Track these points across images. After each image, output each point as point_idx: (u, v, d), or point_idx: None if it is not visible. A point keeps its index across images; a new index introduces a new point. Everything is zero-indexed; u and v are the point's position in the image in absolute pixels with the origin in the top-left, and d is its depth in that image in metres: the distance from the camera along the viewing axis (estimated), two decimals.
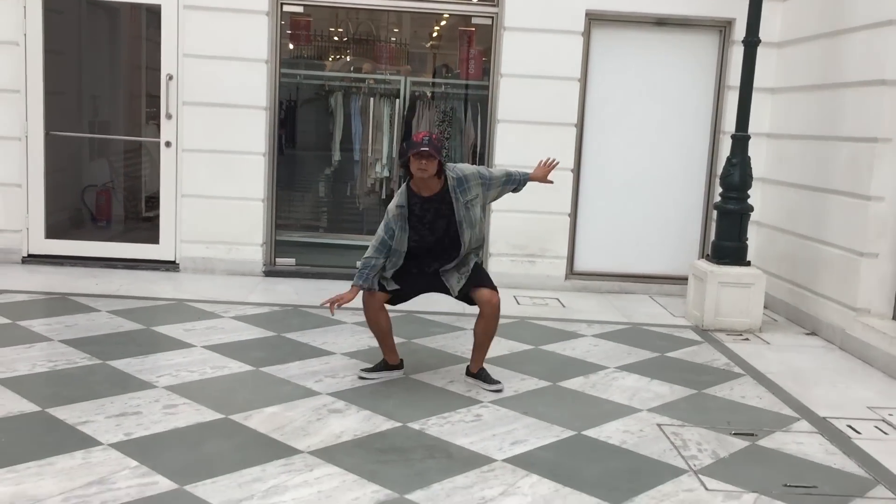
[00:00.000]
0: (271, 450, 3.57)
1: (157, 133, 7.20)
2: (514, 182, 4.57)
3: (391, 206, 4.40)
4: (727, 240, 6.21)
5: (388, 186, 7.84)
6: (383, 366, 4.62)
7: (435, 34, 9.23)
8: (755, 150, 6.39)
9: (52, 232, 7.10)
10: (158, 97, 7.11)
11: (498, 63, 7.07)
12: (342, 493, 3.21)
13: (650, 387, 4.72)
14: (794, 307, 6.53)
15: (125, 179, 9.03)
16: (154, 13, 7.17)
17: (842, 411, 4.50)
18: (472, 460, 3.58)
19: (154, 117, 8.17)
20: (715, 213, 6.49)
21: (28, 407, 3.90)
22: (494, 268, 6.97)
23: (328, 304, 4.30)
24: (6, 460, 3.31)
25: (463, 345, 5.28)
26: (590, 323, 6.14)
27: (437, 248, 4.38)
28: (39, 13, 6.78)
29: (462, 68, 8.13)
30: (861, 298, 5.67)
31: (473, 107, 7.72)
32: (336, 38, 9.15)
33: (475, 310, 4.51)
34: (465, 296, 4.45)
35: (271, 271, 7.17)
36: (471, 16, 7.40)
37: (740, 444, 3.94)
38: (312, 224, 8.62)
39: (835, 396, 4.77)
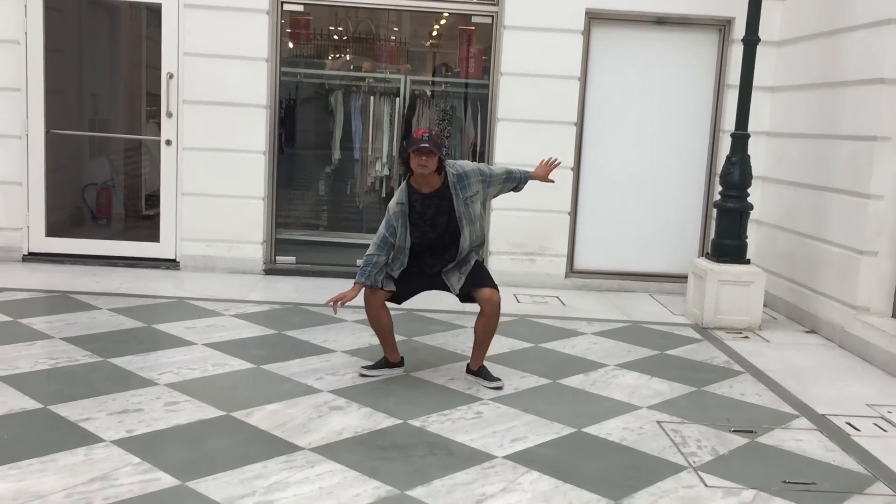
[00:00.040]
0: (273, 447, 3.58)
1: (157, 131, 7.21)
2: (515, 180, 4.58)
3: (392, 203, 4.41)
4: (727, 238, 6.22)
5: (388, 185, 7.85)
6: (384, 363, 4.64)
7: (435, 33, 9.25)
8: (755, 148, 6.40)
9: (53, 230, 7.11)
10: (158, 96, 7.12)
11: (498, 62, 7.08)
12: (343, 489, 3.23)
13: (650, 384, 4.74)
14: (793, 305, 6.55)
15: (125, 178, 9.04)
16: (154, 12, 7.18)
17: (841, 409, 4.52)
18: (473, 457, 3.59)
19: (154, 116, 8.18)
20: (715, 211, 6.51)
21: (30, 404, 3.91)
22: (494, 266, 6.98)
23: (331, 303, 4.30)
24: (9, 457, 3.32)
25: (463, 343, 5.29)
26: (590, 321, 6.15)
27: (437, 244, 4.40)
28: (40, 12, 6.78)
29: (462, 67, 8.15)
30: (860, 296, 5.68)
31: (473, 105, 7.73)
32: (336, 37, 9.16)
33: (475, 308, 4.52)
34: (467, 294, 4.47)
35: (272, 269, 7.18)
36: (471, 14, 7.40)
37: (740, 441, 3.96)
38: (313, 222, 8.63)
39: (834, 394, 4.79)
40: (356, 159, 7.97)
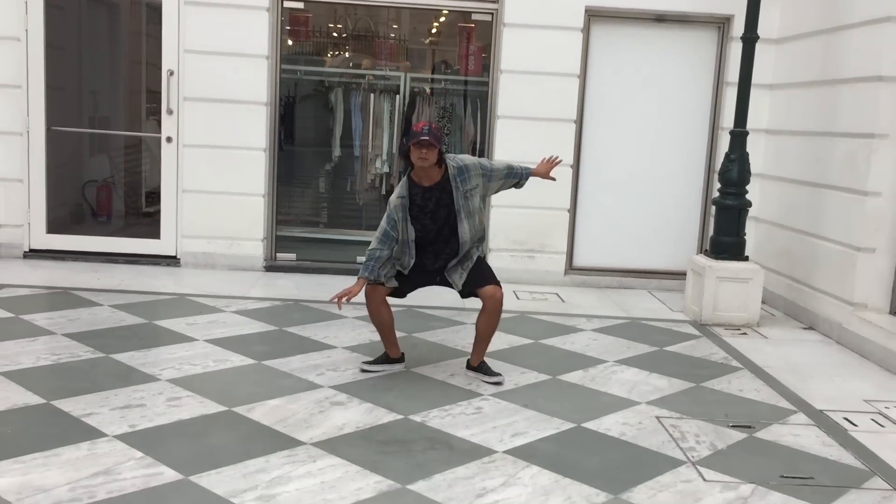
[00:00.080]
0: (274, 441, 3.61)
1: (157, 128, 7.23)
2: (517, 176, 4.59)
3: (393, 196, 4.44)
4: (725, 235, 6.25)
5: (387, 182, 7.88)
6: (385, 359, 4.66)
7: (434, 30, 9.27)
8: (753, 145, 6.43)
9: (53, 227, 7.13)
10: (158, 93, 7.14)
11: (498, 59, 7.10)
12: (345, 483, 3.25)
13: (649, 380, 4.76)
14: (791, 302, 6.58)
15: (125, 175, 9.06)
16: (154, 9, 7.19)
17: (838, 404, 4.55)
18: (473, 452, 3.62)
19: (154, 113, 8.20)
20: (713, 208, 6.53)
21: (33, 399, 3.93)
22: (494, 263, 6.95)
23: (336, 300, 4.30)
24: (13, 451, 3.35)
25: (463, 339, 5.32)
26: (589, 317, 6.18)
27: (437, 238, 4.42)
28: (41, 9, 6.80)
29: (462, 64, 8.17)
30: (858, 293, 5.71)
31: (473, 103, 7.75)
32: (335, 35, 9.18)
33: (475, 304, 4.54)
34: (469, 291, 4.49)
35: (272, 266, 7.20)
36: (471, 12, 7.42)
37: (738, 436, 3.98)
38: (313, 219, 8.66)
39: (832, 390, 4.82)
40: (356, 156, 7.99)
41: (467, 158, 4.47)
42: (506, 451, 3.64)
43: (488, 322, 4.47)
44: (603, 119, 7.25)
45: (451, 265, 4.47)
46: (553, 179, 4.84)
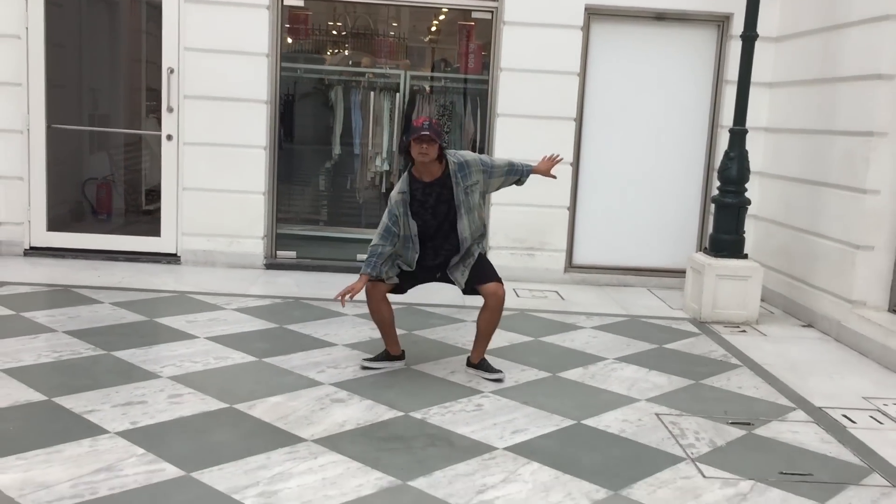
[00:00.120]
0: (276, 438, 3.62)
1: (157, 126, 7.23)
2: (517, 173, 4.60)
3: (393, 192, 4.45)
4: (725, 233, 6.26)
5: (387, 180, 7.89)
6: (385, 356, 4.68)
7: (434, 28, 9.27)
8: (753, 143, 6.44)
9: (54, 225, 7.14)
10: (158, 91, 7.15)
11: (498, 57, 7.11)
12: (346, 479, 3.27)
13: (648, 377, 4.78)
14: (790, 300, 6.59)
15: (125, 173, 9.07)
16: (154, 7, 7.20)
17: (837, 401, 4.57)
18: (474, 448, 3.63)
19: (154, 111, 8.21)
20: (713, 206, 6.54)
21: (34, 396, 3.94)
22: (494, 261, 6.87)
23: (340, 297, 4.29)
24: (15, 448, 3.36)
25: (463, 336, 5.34)
26: (589, 315, 6.19)
27: (438, 234, 4.43)
28: (41, 6, 6.80)
29: (461, 62, 8.18)
30: (857, 291, 5.73)
31: (473, 101, 7.77)
32: (335, 33, 9.18)
33: (475, 301, 4.56)
34: (471, 289, 4.51)
35: (272, 264, 7.21)
36: (471, 10, 7.43)
37: (737, 432, 4.00)
38: (313, 217, 8.66)
39: (830, 387, 4.84)
40: (356, 154, 8.01)
41: (468, 154, 4.48)
42: (506, 448, 3.65)
43: (490, 319, 4.48)
44: (603, 117, 7.26)
45: (453, 263, 4.48)
46: (554, 177, 4.85)
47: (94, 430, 3.58)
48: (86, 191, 8.33)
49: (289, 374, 4.48)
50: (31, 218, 7.02)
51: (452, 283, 4.53)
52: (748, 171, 6.26)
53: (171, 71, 6.96)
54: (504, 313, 4.60)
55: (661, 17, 7.15)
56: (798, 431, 4.07)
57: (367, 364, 4.64)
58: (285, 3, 7.12)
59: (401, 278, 4.51)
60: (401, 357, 4.71)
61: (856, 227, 5.73)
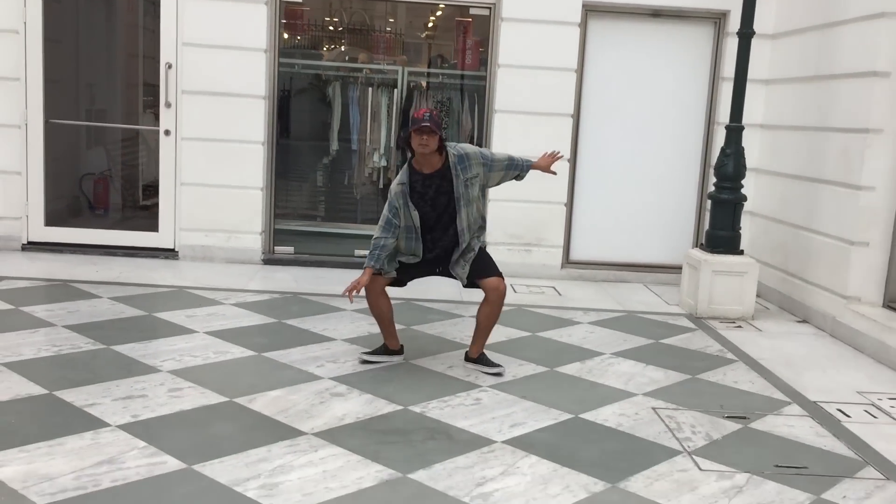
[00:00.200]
0: (276, 431, 3.65)
1: (154, 121, 7.24)
2: (517, 168, 4.62)
3: (393, 184, 4.48)
4: (721, 229, 6.30)
5: (385, 176, 7.90)
6: (384, 350, 4.70)
7: (430, 24, 9.28)
8: (749, 140, 6.48)
9: (51, 219, 7.15)
10: (155, 86, 7.15)
11: (496, 53, 7.13)
12: (346, 472, 3.29)
13: (645, 372, 4.82)
14: (786, 295, 6.63)
15: (122, 168, 9.07)
16: (151, 2, 7.21)
17: (832, 396, 4.61)
18: (473, 442, 3.66)
19: (151, 106, 8.21)
20: (709, 202, 6.57)
21: (35, 390, 3.96)
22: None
23: (347, 293, 4.28)
24: (17, 440, 3.38)
25: (461, 331, 5.37)
26: (586, 311, 6.23)
27: (437, 226, 4.45)
28: (39, 1, 6.80)
29: (459, 59, 8.19)
30: (852, 286, 5.77)
31: (470, 97, 7.78)
32: (331, 28, 9.19)
33: (473, 297, 4.58)
34: (472, 282, 4.53)
35: (270, 259, 7.23)
36: (468, 6, 7.45)
37: (733, 426, 4.04)
38: (310, 213, 8.68)
39: (825, 381, 4.88)
40: (354, 150, 8.02)
41: (468, 147, 4.51)
42: (505, 441, 3.68)
43: (490, 313, 4.51)
44: (600, 113, 7.29)
45: (454, 259, 4.51)
46: (554, 174, 4.88)
47: (95, 424, 3.60)
48: (83, 186, 8.33)
49: (288, 369, 4.50)
50: (28, 213, 7.03)
51: (453, 277, 4.56)
52: (744, 167, 6.30)
53: (170, 66, 6.96)
54: (502, 308, 4.63)
55: (657, 13, 7.18)
56: (793, 425, 4.11)
57: (365, 357, 4.67)
58: None
59: (400, 272, 4.54)
60: (399, 352, 4.74)
61: (851, 223, 5.77)
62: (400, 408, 4.02)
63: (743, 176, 6.29)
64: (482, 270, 4.48)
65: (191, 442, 3.49)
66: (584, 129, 7.29)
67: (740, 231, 6.35)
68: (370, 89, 7.87)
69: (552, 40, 7.04)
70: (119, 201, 8.72)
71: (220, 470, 3.24)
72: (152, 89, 7.61)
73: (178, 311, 5.49)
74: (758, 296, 6.48)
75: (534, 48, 7.03)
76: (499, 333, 5.21)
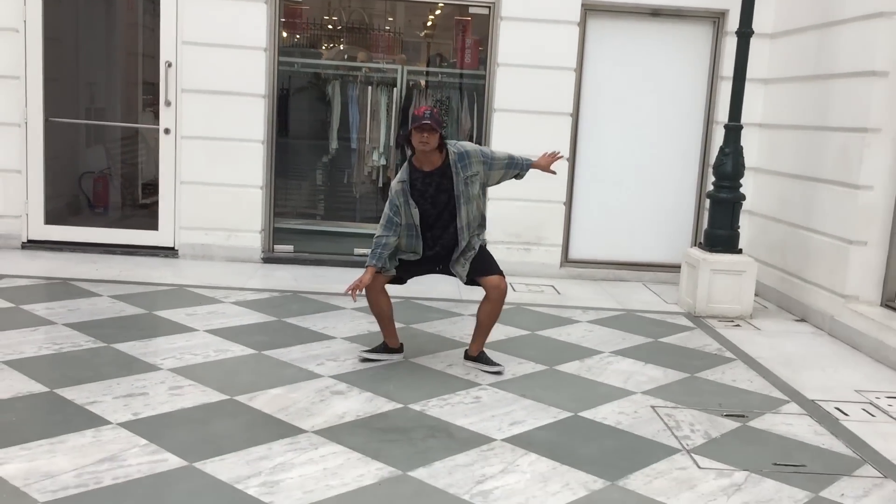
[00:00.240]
0: (277, 429, 3.66)
1: (154, 120, 7.24)
2: (517, 167, 4.64)
3: (394, 182, 4.49)
4: (719, 228, 6.31)
5: (384, 175, 7.92)
6: (383, 348, 4.71)
7: (430, 23, 9.29)
8: (748, 139, 6.49)
9: (51, 218, 7.15)
10: (154, 84, 7.16)
11: (495, 52, 7.14)
12: (347, 470, 3.31)
13: (644, 370, 4.83)
14: (784, 294, 6.65)
15: (122, 166, 9.07)
16: (151, 0, 7.19)
17: (830, 394, 4.62)
18: (473, 440, 3.68)
19: (150, 104, 8.21)
20: (708, 201, 6.59)
21: (36, 387, 3.97)
22: None
23: (350, 292, 4.29)
24: (18, 438, 3.39)
25: (461, 330, 5.38)
26: (584, 309, 6.24)
27: (437, 224, 4.47)
28: (39, 0, 6.80)
29: (458, 57, 8.20)
30: (850, 285, 5.79)
31: (469, 96, 7.79)
32: (330, 27, 9.20)
33: (472, 296, 4.60)
34: (472, 281, 4.55)
35: (270, 258, 7.24)
36: (468, 5, 7.46)
37: (731, 425, 4.05)
38: (310, 212, 8.69)
39: (823, 380, 4.90)
40: (353, 149, 8.03)
41: (468, 145, 4.52)
42: (504, 440, 3.70)
43: (491, 312, 4.53)
44: (599, 113, 7.30)
45: (454, 258, 4.52)
46: (554, 173, 4.90)
47: (96, 421, 3.61)
48: (82, 184, 8.33)
49: (288, 367, 4.51)
50: (28, 211, 7.04)
51: (453, 275, 4.57)
52: (743, 166, 6.31)
53: (169, 65, 6.97)
54: (503, 307, 4.64)
55: (656, 13, 7.19)
56: (791, 424, 4.13)
57: (365, 355, 4.68)
58: None
59: (400, 269, 4.55)
60: (399, 350, 4.75)
61: (849, 222, 5.79)
62: (400, 406, 4.03)
63: (741, 175, 6.31)
64: (483, 268, 4.50)
65: (192, 440, 3.50)
66: (583, 129, 7.30)
67: (739, 230, 6.37)
68: (369, 88, 7.88)
69: (551, 39, 7.05)
70: (118, 200, 8.73)
71: (221, 467, 3.25)
72: (152, 88, 7.61)
73: (178, 310, 5.50)
74: (756, 295, 6.50)
75: (533, 47, 7.04)
76: (498, 332, 5.22)
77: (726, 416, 4.17)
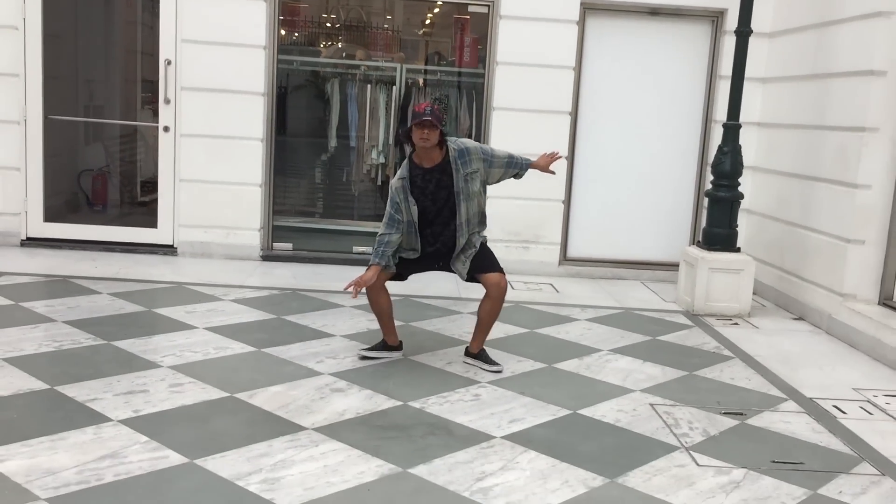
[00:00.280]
0: (277, 426, 3.67)
1: (153, 118, 7.25)
2: (517, 166, 4.65)
3: (394, 179, 4.51)
4: (718, 227, 6.33)
5: (383, 173, 7.93)
6: (383, 346, 4.73)
7: (428, 21, 9.29)
8: (746, 138, 6.51)
9: (49, 215, 7.15)
10: (153, 82, 7.16)
11: (494, 51, 7.15)
12: (347, 467, 3.32)
13: (643, 368, 4.85)
14: (782, 293, 6.67)
15: (120, 164, 9.07)
16: None
17: (828, 392, 4.64)
18: (472, 437, 3.69)
19: (149, 102, 8.21)
20: (706, 200, 6.61)
21: (37, 385, 3.98)
22: None
23: (351, 288, 4.29)
24: (19, 435, 3.40)
25: (460, 328, 5.39)
26: (583, 307, 6.26)
27: (437, 220, 4.48)
28: None
29: (457, 56, 8.21)
30: (847, 284, 5.81)
31: (468, 94, 7.80)
32: (329, 25, 9.20)
33: (472, 294, 4.61)
34: (472, 278, 4.56)
35: (268, 256, 7.25)
36: (467, 4, 7.47)
37: (730, 422, 4.07)
38: (309, 210, 8.70)
39: (821, 378, 4.92)
40: (352, 147, 8.04)
41: (469, 142, 4.54)
42: (504, 437, 3.71)
43: (491, 309, 4.54)
44: (597, 111, 7.31)
45: (455, 255, 4.53)
46: (553, 173, 4.91)
47: (97, 418, 3.62)
48: (81, 182, 8.33)
49: (288, 364, 4.52)
50: (27, 208, 7.04)
51: (453, 272, 4.58)
52: (741, 165, 6.33)
53: (169, 62, 6.97)
54: (503, 304, 4.65)
55: (655, 12, 7.21)
56: (790, 421, 4.15)
57: (364, 353, 4.69)
58: None
59: (400, 266, 4.56)
60: (398, 347, 4.76)
61: (847, 221, 5.81)
62: (399, 403, 4.05)
63: (740, 174, 6.33)
64: (483, 266, 4.51)
65: (192, 437, 3.51)
66: (581, 127, 7.32)
67: (737, 228, 6.39)
68: (368, 86, 7.89)
69: (550, 38, 7.06)
70: (117, 197, 8.73)
71: (222, 464, 3.26)
72: (151, 85, 7.61)
73: (177, 307, 5.50)
74: (754, 293, 6.52)
75: (532, 46, 7.05)
76: (497, 330, 5.23)
77: (725, 413, 4.18)
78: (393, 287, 4.65)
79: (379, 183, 7.97)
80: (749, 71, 6.32)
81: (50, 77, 7.06)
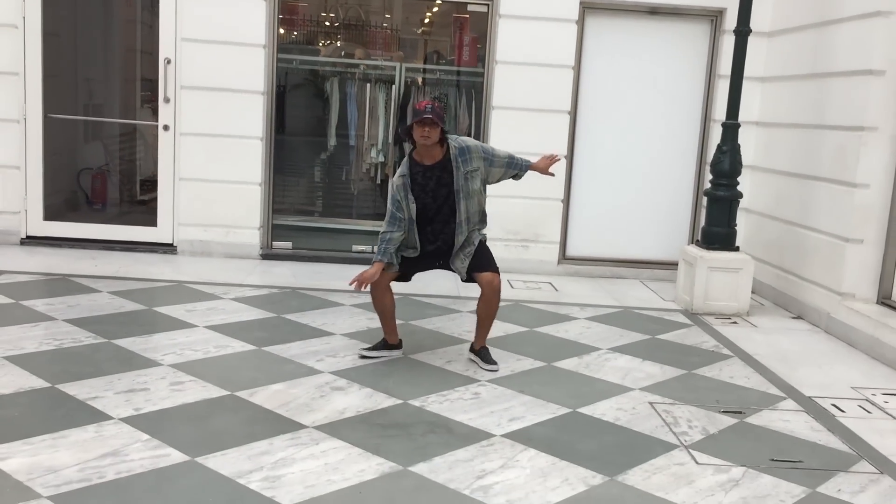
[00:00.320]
0: (278, 424, 3.68)
1: (152, 116, 7.25)
2: (517, 167, 4.67)
3: (394, 177, 4.52)
4: (717, 226, 6.34)
5: (382, 172, 7.93)
6: (383, 345, 4.74)
7: (427, 20, 9.30)
8: (745, 137, 6.52)
9: (49, 214, 7.16)
10: (153, 81, 7.16)
11: (493, 50, 7.16)
12: (348, 465, 3.33)
13: (642, 367, 4.86)
14: (780, 292, 6.69)
15: (120, 163, 9.08)
16: None
17: (827, 391, 4.66)
18: (472, 435, 3.70)
19: (149, 101, 8.22)
20: (705, 199, 6.63)
21: (37, 383, 3.99)
22: None
23: (355, 283, 4.31)
24: (21, 433, 3.41)
25: (460, 326, 5.40)
26: (582, 306, 6.27)
27: (437, 218, 4.49)
28: None
29: (456, 55, 8.22)
30: (846, 283, 5.82)
31: (467, 93, 7.81)
32: (328, 24, 9.21)
33: (471, 292, 4.62)
34: (469, 277, 4.57)
35: (268, 254, 7.26)
36: (466, 3, 7.48)
37: (729, 421, 4.08)
38: (308, 208, 8.71)
39: (820, 377, 4.93)
40: (351, 146, 8.04)
41: (469, 141, 4.55)
42: (504, 435, 3.72)
43: (486, 307, 4.56)
44: (597, 110, 7.32)
45: (454, 252, 4.54)
46: (552, 175, 4.92)
47: (98, 417, 3.63)
48: (81, 181, 8.34)
49: (288, 363, 4.53)
50: (27, 207, 7.04)
51: (453, 270, 4.60)
52: (740, 164, 6.34)
53: (168, 61, 6.97)
54: (499, 302, 4.66)
55: (654, 11, 7.21)
56: (788, 420, 4.16)
57: (365, 353, 4.70)
58: None
59: (403, 266, 4.57)
60: (398, 346, 4.77)
61: (846, 220, 5.82)
62: (399, 402, 4.06)
63: (739, 173, 6.34)
64: (479, 264, 4.52)
65: (193, 435, 3.52)
66: (580, 126, 7.33)
67: (736, 228, 6.40)
68: (368, 85, 7.90)
69: (550, 37, 7.07)
70: (117, 196, 8.74)
71: (223, 462, 3.27)
72: (150, 84, 7.61)
73: (177, 306, 5.51)
74: (753, 292, 6.54)
75: (531, 45, 7.06)
76: (496, 328, 5.22)
77: (724, 412, 4.20)
78: (394, 286, 4.66)
79: (378, 182, 7.98)
80: (748, 70, 6.33)
81: (49, 76, 7.06)
